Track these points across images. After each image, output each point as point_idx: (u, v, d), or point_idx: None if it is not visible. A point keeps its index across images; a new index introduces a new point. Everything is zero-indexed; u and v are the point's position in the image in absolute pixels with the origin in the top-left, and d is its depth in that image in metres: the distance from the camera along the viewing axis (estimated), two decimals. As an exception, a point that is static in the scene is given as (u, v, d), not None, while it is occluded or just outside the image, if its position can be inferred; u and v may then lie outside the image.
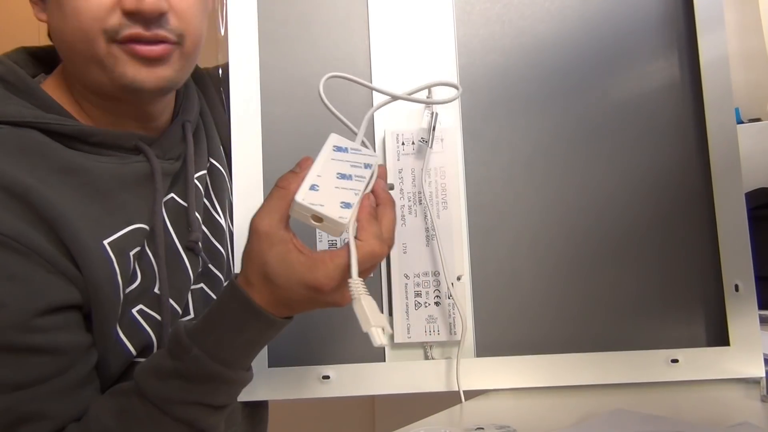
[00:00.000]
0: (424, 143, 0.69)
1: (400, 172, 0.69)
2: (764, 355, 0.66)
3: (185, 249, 0.63)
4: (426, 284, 0.67)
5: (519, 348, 0.68)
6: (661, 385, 0.66)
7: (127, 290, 0.57)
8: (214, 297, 0.67)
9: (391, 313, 0.67)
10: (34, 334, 0.50)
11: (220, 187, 0.70)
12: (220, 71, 0.76)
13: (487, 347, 0.68)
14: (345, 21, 0.73)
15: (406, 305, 0.67)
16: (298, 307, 0.52)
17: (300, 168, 0.51)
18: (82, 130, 0.57)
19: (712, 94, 0.69)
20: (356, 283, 0.46)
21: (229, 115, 0.72)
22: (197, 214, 0.65)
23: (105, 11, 0.53)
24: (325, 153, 0.52)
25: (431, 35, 0.72)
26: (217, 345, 0.51)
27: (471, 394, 0.66)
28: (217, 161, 0.71)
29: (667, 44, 0.71)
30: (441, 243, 0.67)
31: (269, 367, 0.66)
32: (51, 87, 0.60)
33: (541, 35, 0.72)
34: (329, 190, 0.49)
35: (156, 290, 0.59)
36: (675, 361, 0.66)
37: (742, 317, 0.66)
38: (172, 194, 0.64)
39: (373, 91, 0.72)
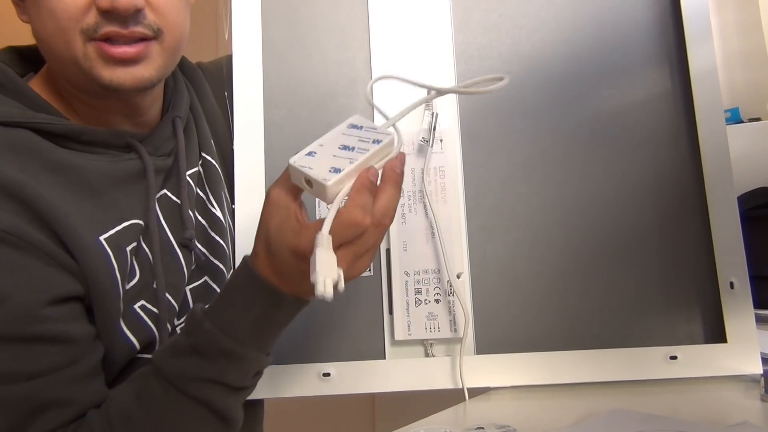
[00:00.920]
0: (425, 143, 0.69)
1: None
2: (763, 354, 0.66)
3: (179, 245, 0.63)
4: (426, 281, 0.68)
5: (518, 345, 0.68)
6: (661, 383, 0.67)
7: (128, 286, 0.58)
8: (218, 289, 0.68)
9: (391, 311, 0.68)
10: (43, 323, 0.51)
11: (214, 180, 0.70)
12: (224, 68, 0.76)
13: (486, 345, 0.68)
14: (346, 26, 0.74)
15: (407, 302, 0.68)
16: (290, 279, 0.50)
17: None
18: (72, 129, 0.57)
19: (702, 101, 0.71)
20: (321, 236, 0.45)
21: (232, 117, 0.72)
22: (190, 212, 0.65)
23: (80, 11, 0.53)
24: (339, 128, 0.52)
25: (430, 42, 0.73)
26: (228, 320, 0.51)
27: (471, 392, 0.66)
28: (209, 155, 0.71)
29: (659, 54, 0.73)
30: (442, 241, 0.67)
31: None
32: (39, 86, 0.60)
33: (537, 43, 0.73)
34: (325, 157, 0.49)
35: (154, 285, 0.60)
36: (674, 358, 0.66)
37: (737, 314, 0.67)
38: (165, 190, 0.64)
39: (373, 92, 0.72)
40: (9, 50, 0.64)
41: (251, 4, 0.74)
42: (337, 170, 0.48)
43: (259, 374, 0.56)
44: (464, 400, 0.65)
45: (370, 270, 0.68)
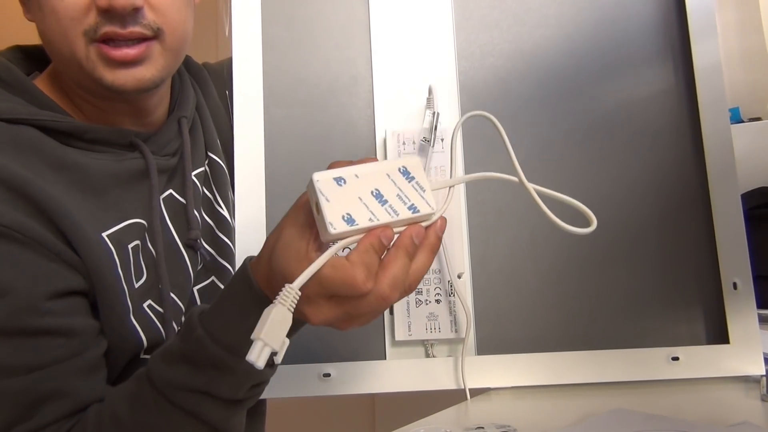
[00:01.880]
0: (426, 143, 0.69)
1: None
2: (766, 355, 0.66)
3: (185, 246, 0.63)
4: (427, 281, 0.68)
5: (519, 346, 0.68)
6: (662, 383, 0.66)
7: (137, 285, 0.58)
8: None
9: (392, 311, 0.67)
10: (46, 316, 0.51)
11: (221, 180, 0.70)
12: (225, 70, 0.76)
13: (487, 345, 0.68)
14: (347, 25, 0.74)
15: (407, 302, 0.67)
16: (301, 311, 0.46)
17: (359, 161, 0.45)
18: (76, 127, 0.57)
19: (706, 98, 0.70)
20: (286, 291, 0.40)
21: (232, 116, 0.72)
22: (196, 212, 0.65)
23: (81, 11, 0.53)
24: (389, 164, 0.45)
25: (431, 39, 0.73)
26: (221, 328, 0.49)
27: (472, 392, 0.66)
28: (215, 155, 0.71)
29: (662, 50, 0.72)
30: (442, 240, 0.67)
31: (271, 365, 0.67)
32: (44, 84, 0.61)
33: (539, 40, 0.73)
34: (350, 195, 0.42)
35: (160, 285, 0.60)
36: (675, 359, 0.66)
37: (741, 315, 0.67)
38: (171, 190, 0.64)
39: (374, 91, 0.72)
40: (15, 49, 0.64)
41: (251, 2, 0.73)
42: (351, 221, 0.41)
43: (259, 386, 0.53)
44: (464, 400, 0.65)
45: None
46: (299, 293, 0.40)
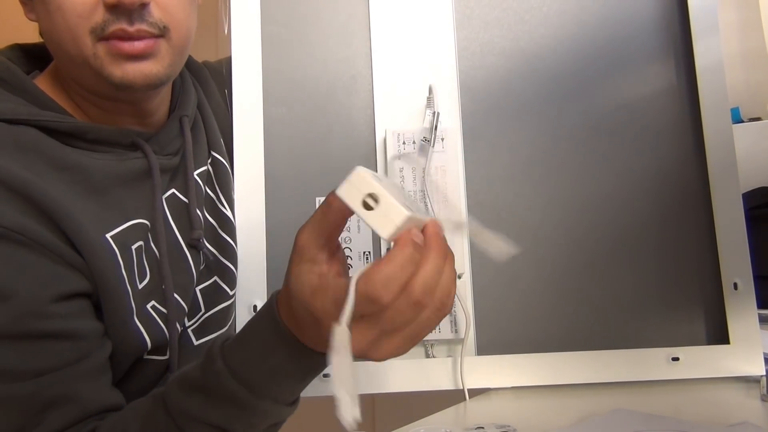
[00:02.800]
0: (426, 143, 0.69)
1: (401, 171, 0.69)
2: (766, 355, 0.66)
3: (188, 246, 0.63)
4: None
5: (520, 346, 0.68)
6: (662, 384, 0.66)
7: (140, 286, 0.57)
8: (228, 289, 0.67)
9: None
10: (51, 320, 0.50)
11: (224, 179, 0.70)
12: (224, 69, 0.76)
13: (487, 345, 0.68)
14: (346, 23, 0.73)
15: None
16: (310, 336, 0.45)
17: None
18: (78, 127, 0.57)
19: (708, 97, 0.70)
20: (338, 332, 0.37)
21: (232, 115, 0.72)
22: (198, 211, 0.65)
23: (89, 8, 0.53)
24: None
25: (432, 38, 0.73)
26: (243, 364, 0.47)
27: (472, 393, 0.66)
28: (218, 154, 0.70)
29: (664, 49, 0.72)
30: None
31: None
32: (45, 83, 0.60)
33: (540, 39, 0.73)
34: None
35: (163, 286, 0.59)
36: (676, 359, 0.66)
37: (741, 315, 0.67)
38: (173, 190, 0.64)
39: (374, 90, 0.72)
40: (15, 48, 0.63)
41: (250, 1, 0.73)
42: (408, 207, 0.39)
43: (276, 425, 0.51)
44: (464, 400, 0.65)
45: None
46: (348, 331, 0.37)
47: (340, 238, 0.45)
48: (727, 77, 0.70)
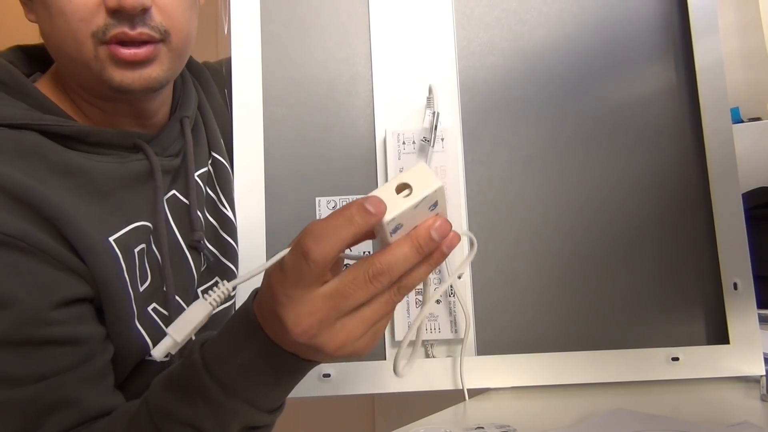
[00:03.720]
0: (425, 143, 0.69)
1: (401, 171, 0.69)
2: (766, 355, 0.66)
3: (188, 247, 0.63)
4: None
5: (520, 346, 0.68)
6: (662, 384, 0.66)
7: (142, 288, 0.57)
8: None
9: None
10: (51, 326, 0.50)
11: (225, 179, 0.70)
12: (224, 69, 0.76)
13: (487, 346, 0.68)
14: (346, 23, 0.73)
15: (407, 303, 0.67)
16: (274, 329, 0.43)
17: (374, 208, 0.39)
18: (79, 131, 0.57)
19: (707, 97, 0.70)
20: (218, 287, 0.40)
21: (232, 114, 0.72)
22: (199, 213, 0.65)
23: (90, 12, 0.53)
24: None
25: (431, 38, 0.73)
26: (215, 358, 0.46)
27: (472, 393, 0.66)
28: (219, 155, 0.70)
29: (664, 48, 0.72)
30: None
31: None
32: (46, 86, 0.60)
33: (540, 39, 0.73)
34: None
35: (164, 288, 0.59)
36: (675, 359, 0.66)
37: (741, 315, 0.67)
38: (174, 191, 0.64)
39: (374, 90, 0.72)
40: (16, 49, 0.63)
41: (250, 0, 0.73)
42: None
43: (256, 430, 0.48)
44: (464, 400, 0.65)
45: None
46: (230, 290, 0.39)
47: None
48: (727, 77, 0.70)
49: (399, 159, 0.70)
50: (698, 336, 0.68)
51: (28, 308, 0.49)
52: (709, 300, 0.68)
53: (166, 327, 0.59)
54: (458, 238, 0.42)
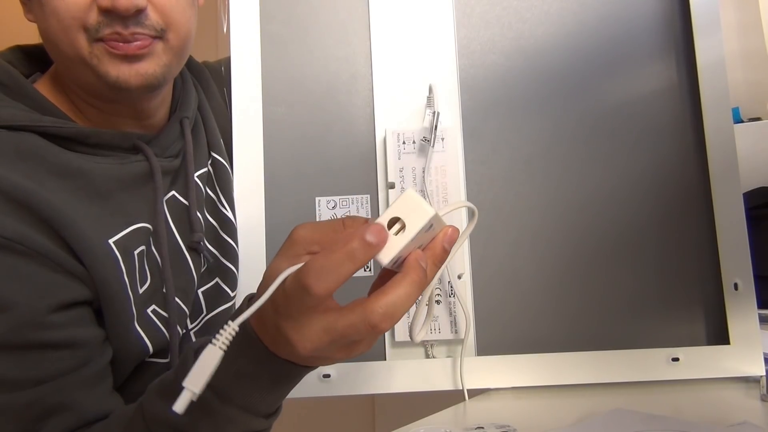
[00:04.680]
0: (425, 142, 0.69)
1: (401, 171, 0.69)
2: (764, 354, 0.66)
3: (188, 248, 0.63)
4: (427, 283, 0.67)
5: (520, 347, 0.68)
6: (662, 384, 0.66)
7: (141, 290, 0.57)
8: (229, 291, 0.67)
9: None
10: (50, 330, 0.50)
11: (225, 180, 0.70)
12: (223, 69, 0.76)
13: (487, 346, 0.68)
14: (346, 22, 0.73)
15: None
16: (270, 337, 0.43)
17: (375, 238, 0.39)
18: (79, 132, 0.57)
19: (709, 96, 0.70)
20: (225, 328, 0.38)
21: (231, 114, 0.72)
22: (199, 214, 0.64)
23: (82, 9, 0.53)
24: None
25: (432, 37, 0.73)
26: None
27: (472, 393, 0.66)
28: (219, 155, 0.70)
29: (665, 47, 0.72)
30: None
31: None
32: (45, 87, 0.60)
33: (540, 38, 0.72)
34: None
35: (164, 289, 0.59)
36: (676, 359, 0.66)
37: (741, 316, 0.67)
38: (173, 192, 0.64)
39: (373, 89, 0.72)
40: (15, 50, 0.63)
41: (250, 0, 0.73)
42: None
43: None
44: (464, 400, 0.65)
45: (370, 270, 0.68)
46: (236, 329, 0.38)
47: None
48: (727, 77, 0.70)
49: (399, 159, 0.69)
50: (698, 336, 0.68)
51: (26, 311, 0.49)
52: (709, 300, 0.68)
53: (166, 328, 0.59)
54: (457, 233, 0.42)
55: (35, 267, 0.50)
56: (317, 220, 0.68)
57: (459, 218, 0.69)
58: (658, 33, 0.72)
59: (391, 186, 0.69)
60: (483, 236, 0.70)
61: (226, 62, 0.75)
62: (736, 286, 0.67)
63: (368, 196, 0.70)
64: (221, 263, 0.67)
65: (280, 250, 0.42)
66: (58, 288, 0.51)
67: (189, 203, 0.63)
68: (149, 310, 0.58)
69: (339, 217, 0.57)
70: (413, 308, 0.45)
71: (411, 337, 0.48)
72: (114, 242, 0.55)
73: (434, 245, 0.42)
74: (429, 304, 0.52)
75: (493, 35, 0.73)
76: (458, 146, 0.71)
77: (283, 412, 0.51)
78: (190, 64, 0.73)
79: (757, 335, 0.66)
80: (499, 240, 0.70)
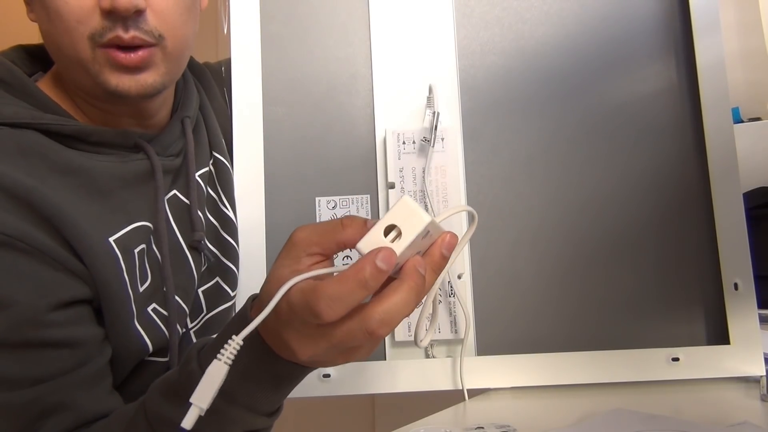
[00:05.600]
0: (425, 142, 0.69)
1: (401, 171, 0.69)
2: (765, 354, 0.66)
3: (189, 247, 0.63)
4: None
5: (520, 347, 0.68)
6: (662, 384, 0.66)
7: (142, 288, 0.57)
8: (229, 290, 0.67)
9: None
10: (50, 328, 0.50)
11: (226, 179, 0.70)
12: (223, 69, 0.76)
13: (487, 346, 0.68)
14: (346, 22, 0.73)
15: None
16: (273, 339, 0.43)
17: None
18: (81, 130, 0.57)
19: (709, 96, 0.70)
20: (229, 343, 0.38)
21: (231, 114, 0.72)
22: (200, 213, 0.65)
23: (86, 13, 0.53)
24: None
25: (431, 37, 0.73)
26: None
27: (472, 393, 0.66)
28: (220, 154, 0.70)
29: (665, 47, 0.72)
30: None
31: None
32: (48, 86, 0.60)
33: (540, 38, 0.72)
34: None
35: (164, 288, 0.59)
36: (676, 359, 0.66)
37: (741, 316, 0.67)
38: (175, 191, 0.64)
39: (373, 89, 0.72)
40: (18, 49, 0.63)
41: (250, 0, 0.73)
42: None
43: None
44: (464, 400, 0.65)
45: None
46: (241, 343, 0.38)
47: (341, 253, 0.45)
48: (727, 77, 0.70)
49: (399, 159, 0.70)
50: (698, 336, 0.68)
51: (26, 309, 0.49)
52: (709, 300, 0.68)
53: (166, 327, 0.59)
54: (455, 239, 0.42)
55: (36, 265, 0.50)
56: (317, 220, 0.68)
57: (459, 221, 0.69)
58: (657, 33, 0.72)
59: (391, 186, 0.69)
60: (483, 236, 0.70)
61: (227, 63, 0.75)
62: (736, 286, 0.67)
63: (368, 196, 0.70)
64: (222, 262, 0.67)
65: (280, 252, 0.43)
66: (58, 286, 0.51)
67: (190, 202, 0.63)
68: (149, 309, 0.58)
69: (339, 217, 0.57)
70: (416, 313, 0.45)
71: (416, 343, 0.49)
72: (114, 240, 0.55)
73: (432, 251, 0.42)
74: (433, 310, 0.52)
75: (493, 36, 0.73)
76: (458, 146, 0.71)
77: (284, 411, 0.51)
78: (192, 64, 0.73)
79: (757, 335, 0.66)
80: (499, 240, 0.70)
